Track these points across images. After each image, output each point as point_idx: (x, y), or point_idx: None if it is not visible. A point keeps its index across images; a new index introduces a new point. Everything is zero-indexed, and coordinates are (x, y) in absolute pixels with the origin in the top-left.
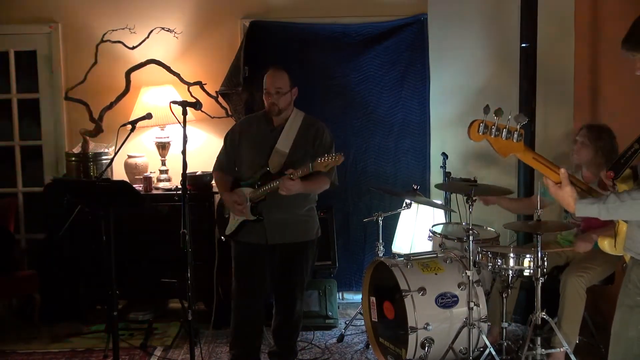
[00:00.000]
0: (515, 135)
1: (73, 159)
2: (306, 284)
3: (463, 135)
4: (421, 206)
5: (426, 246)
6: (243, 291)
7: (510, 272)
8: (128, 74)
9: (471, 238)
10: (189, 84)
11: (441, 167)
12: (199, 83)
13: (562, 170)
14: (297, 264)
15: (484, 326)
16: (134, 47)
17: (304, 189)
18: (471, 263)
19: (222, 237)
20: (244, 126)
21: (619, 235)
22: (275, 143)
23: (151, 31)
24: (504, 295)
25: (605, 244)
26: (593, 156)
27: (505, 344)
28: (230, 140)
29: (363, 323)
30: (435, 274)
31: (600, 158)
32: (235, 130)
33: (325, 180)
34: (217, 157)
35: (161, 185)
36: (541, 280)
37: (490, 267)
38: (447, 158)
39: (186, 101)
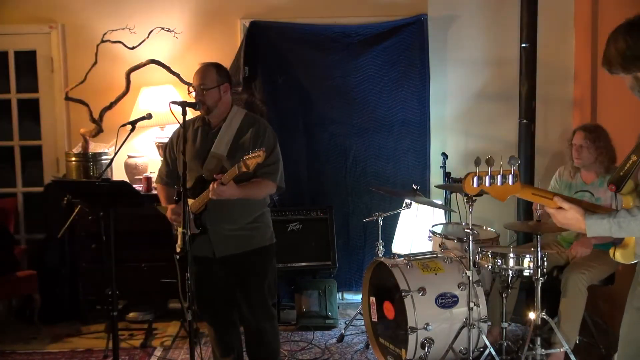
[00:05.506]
0: (510, 178)
1: (73, 159)
2: (272, 301)
3: (463, 135)
4: (421, 206)
5: (426, 246)
6: (202, 304)
7: (510, 272)
8: (128, 74)
9: (471, 238)
10: (189, 84)
11: (441, 167)
12: None
13: (556, 198)
14: (252, 277)
15: (484, 326)
16: (134, 47)
17: (240, 194)
18: (471, 263)
19: (176, 256)
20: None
21: (628, 246)
22: (211, 146)
23: (151, 31)
24: (504, 295)
25: (617, 255)
26: (595, 157)
27: (505, 344)
28: (169, 150)
29: (363, 323)
30: (435, 274)
31: (604, 157)
32: (173, 138)
33: (268, 184)
34: (159, 170)
35: None
36: (541, 280)
37: (490, 267)
38: (447, 158)
39: (186, 101)
